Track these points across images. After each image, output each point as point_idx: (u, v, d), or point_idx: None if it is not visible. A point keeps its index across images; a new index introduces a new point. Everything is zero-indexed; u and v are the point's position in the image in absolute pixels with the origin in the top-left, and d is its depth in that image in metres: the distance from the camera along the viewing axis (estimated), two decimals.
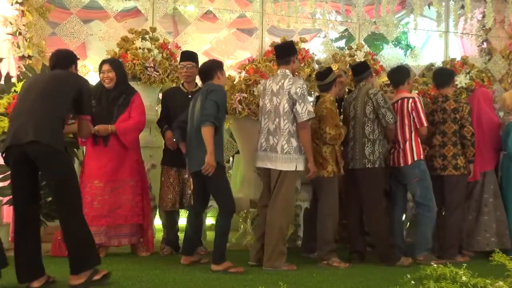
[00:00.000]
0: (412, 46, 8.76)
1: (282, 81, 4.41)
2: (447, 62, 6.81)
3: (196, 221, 4.48)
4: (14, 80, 4.85)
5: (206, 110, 4.10)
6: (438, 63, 6.79)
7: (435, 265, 3.08)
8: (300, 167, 4.38)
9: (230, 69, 6.77)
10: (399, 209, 5.01)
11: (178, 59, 5.79)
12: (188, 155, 4.36)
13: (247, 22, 6.79)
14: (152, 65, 5.49)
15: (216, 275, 3.97)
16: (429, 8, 7.00)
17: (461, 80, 6.56)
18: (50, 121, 3.38)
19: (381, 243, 4.69)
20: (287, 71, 4.48)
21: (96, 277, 3.48)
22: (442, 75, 5.25)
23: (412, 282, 3.07)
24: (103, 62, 4.76)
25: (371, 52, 6.61)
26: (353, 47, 6.57)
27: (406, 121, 4.83)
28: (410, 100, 4.84)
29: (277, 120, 4.37)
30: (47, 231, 4.66)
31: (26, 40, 5.42)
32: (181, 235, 5.26)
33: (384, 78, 5.47)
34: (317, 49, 6.70)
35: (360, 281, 3.91)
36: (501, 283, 2.90)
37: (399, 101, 4.90)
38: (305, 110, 4.30)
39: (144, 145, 5.19)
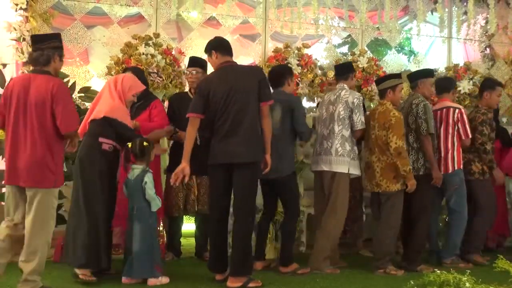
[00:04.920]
0: (415, 52, 8.74)
1: (340, 92, 4.69)
2: (450, 68, 6.80)
3: (265, 225, 4.61)
4: None
5: (304, 127, 4.50)
6: (441, 69, 6.78)
7: (438, 271, 3.08)
8: (352, 171, 4.53)
9: None
10: (435, 215, 5.06)
11: (182, 64, 5.82)
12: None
13: (250, 28, 6.79)
14: (155, 70, 5.48)
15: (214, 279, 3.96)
16: (432, 14, 7.00)
17: (464, 86, 6.53)
18: (254, 139, 3.87)
19: (413, 248, 4.69)
20: (345, 85, 4.73)
21: (251, 285, 3.78)
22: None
23: None
24: (126, 70, 4.83)
25: (374, 58, 6.59)
26: (356, 52, 6.57)
27: (450, 131, 4.87)
28: (457, 110, 4.90)
29: (331, 125, 4.59)
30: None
31: (30, 46, 5.43)
32: (183, 241, 5.27)
33: None
34: (320, 54, 6.70)
35: (363, 287, 3.90)
36: None
37: (444, 109, 4.94)
38: (359, 120, 4.56)
39: None
